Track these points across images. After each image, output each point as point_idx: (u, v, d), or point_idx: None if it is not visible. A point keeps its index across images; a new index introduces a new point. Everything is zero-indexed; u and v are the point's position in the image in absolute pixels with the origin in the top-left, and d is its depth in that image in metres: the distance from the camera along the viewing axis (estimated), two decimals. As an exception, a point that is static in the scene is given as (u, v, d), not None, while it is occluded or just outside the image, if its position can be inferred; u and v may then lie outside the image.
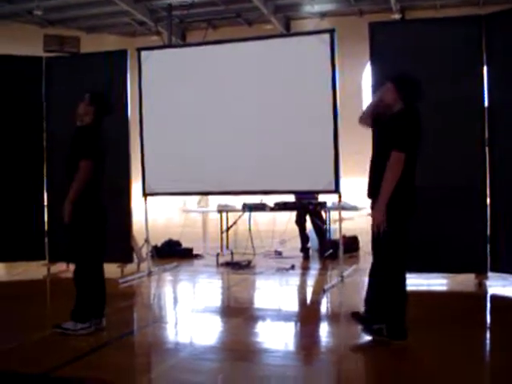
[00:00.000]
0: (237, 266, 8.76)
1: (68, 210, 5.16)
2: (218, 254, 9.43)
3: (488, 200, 7.10)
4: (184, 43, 21.02)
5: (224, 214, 10.55)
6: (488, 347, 5.05)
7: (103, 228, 5.41)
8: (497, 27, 7.05)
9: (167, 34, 20.27)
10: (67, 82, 8.43)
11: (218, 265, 9.08)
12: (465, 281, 7.29)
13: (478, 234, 7.09)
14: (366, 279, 7.38)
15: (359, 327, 5.01)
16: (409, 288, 7.46)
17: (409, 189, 4.76)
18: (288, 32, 21.43)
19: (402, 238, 4.82)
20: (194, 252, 10.08)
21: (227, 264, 8.97)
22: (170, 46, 15.62)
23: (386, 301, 4.83)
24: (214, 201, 12.28)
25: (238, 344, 5.11)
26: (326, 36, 7.64)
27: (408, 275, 7.53)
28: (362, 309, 5.07)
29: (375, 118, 5.10)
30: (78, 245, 5.30)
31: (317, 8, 21.23)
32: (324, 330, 5.86)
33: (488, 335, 5.35)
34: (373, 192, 4.85)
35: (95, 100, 5.45)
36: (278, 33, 20.32)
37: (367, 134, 7.44)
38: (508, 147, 6.87)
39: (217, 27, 22.40)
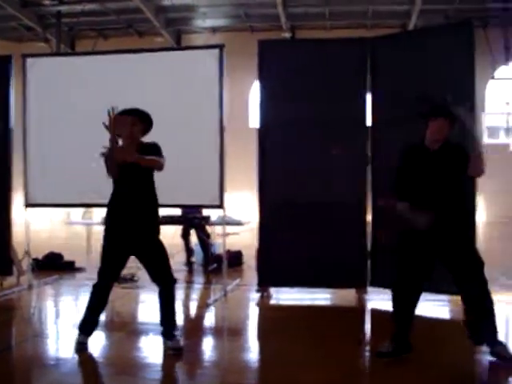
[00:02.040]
0: (120, 280, 8.64)
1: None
2: (101, 267, 9.28)
3: (369, 216, 7.37)
4: (73, 52, 20.67)
5: (109, 227, 10.35)
6: (367, 360, 5.23)
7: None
8: (381, 50, 7.38)
9: (55, 41, 19.86)
10: None
11: (102, 278, 8.93)
12: (346, 295, 7.51)
13: (359, 250, 7.35)
14: (250, 293, 7.49)
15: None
16: (291, 302, 7.64)
17: None
18: (179, 45, 21.47)
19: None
20: (77, 265, 9.86)
21: (111, 277, 8.85)
22: (57, 53, 15.34)
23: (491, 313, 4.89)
24: (100, 213, 12.07)
25: (121, 358, 5.07)
26: (216, 51, 7.69)
27: (290, 290, 7.73)
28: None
29: None
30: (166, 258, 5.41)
31: (208, 23, 21.39)
32: (207, 344, 5.88)
33: (367, 348, 5.54)
34: (445, 215, 4.85)
35: (144, 118, 5.35)
36: (168, 46, 20.32)
37: (253, 149, 7.61)
38: (387, 165, 7.13)
39: (107, 37, 22.14)
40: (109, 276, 5.26)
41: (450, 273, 4.88)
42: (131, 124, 5.18)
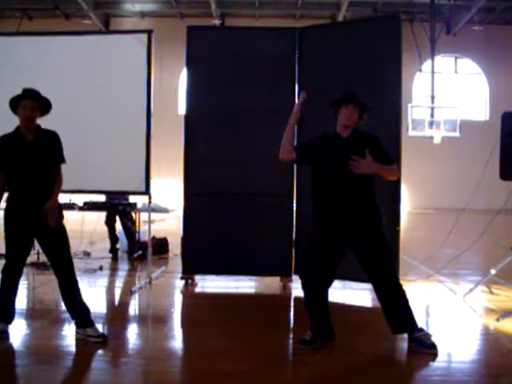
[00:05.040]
0: (43, 267, 8.49)
1: (56, 214, 5.09)
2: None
3: (294, 206, 7.44)
4: (-5, 31, 20.07)
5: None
6: (290, 348, 5.29)
7: None
8: (309, 40, 7.43)
9: (-22, 20, 19.31)
10: None
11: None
12: (271, 283, 7.57)
13: (284, 239, 7.41)
14: (175, 281, 7.45)
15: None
16: (216, 290, 7.64)
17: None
18: (107, 29, 21.15)
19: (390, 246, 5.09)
20: (-2, 252, 9.63)
21: (33, 264, 8.66)
22: (-20, 32, 14.84)
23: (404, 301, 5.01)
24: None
25: (43, 347, 4.98)
26: (144, 36, 7.61)
27: (215, 278, 7.74)
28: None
29: None
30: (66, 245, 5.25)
31: (137, 7, 21.13)
32: (132, 331, 5.83)
33: (291, 335, 5.61)
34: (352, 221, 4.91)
35: (44, 104, 5.20)
36: (96, 29, 19.98)
37: (181, 136, 7.57)
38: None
39: (32, 18, 21.57)
40: (16, 258, 5.16)
41: (359, 263, 5.00)
42: (31, 108, 5.12)
